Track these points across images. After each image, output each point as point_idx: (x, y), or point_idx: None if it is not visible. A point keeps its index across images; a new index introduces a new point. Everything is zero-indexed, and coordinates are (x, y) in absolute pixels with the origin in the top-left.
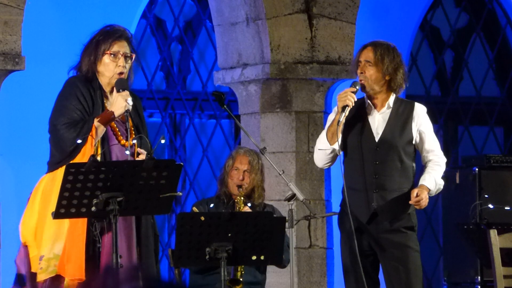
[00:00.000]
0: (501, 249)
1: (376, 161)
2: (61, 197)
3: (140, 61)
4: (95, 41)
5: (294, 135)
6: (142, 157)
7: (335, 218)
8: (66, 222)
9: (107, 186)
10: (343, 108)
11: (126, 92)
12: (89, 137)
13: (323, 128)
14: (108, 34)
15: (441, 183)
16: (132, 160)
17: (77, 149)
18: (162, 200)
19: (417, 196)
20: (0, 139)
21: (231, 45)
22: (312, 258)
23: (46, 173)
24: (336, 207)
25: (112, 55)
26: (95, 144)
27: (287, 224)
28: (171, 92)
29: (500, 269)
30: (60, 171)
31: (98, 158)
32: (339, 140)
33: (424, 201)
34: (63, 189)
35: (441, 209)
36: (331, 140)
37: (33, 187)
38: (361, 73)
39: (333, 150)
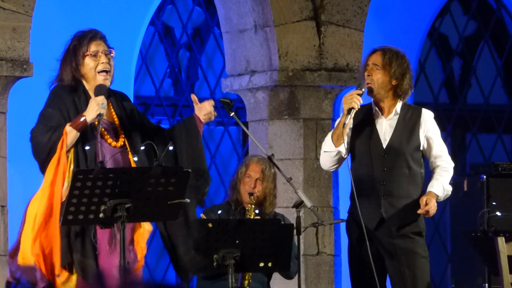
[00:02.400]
0: (509, 257)
1: (384, 168)
2: (69, 203)
3: (148, 68)
4: (71, 48)
5: (302, 142)
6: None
7: (343, 225)
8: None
9: (115, 193)
10: (349, 110)
11: (101, 97)
12: (59, 142)
13: None
14: (82, 37)
15: (449, 189)
16: (140, 167)
17: (51, 154)
18: (170, 206)
19: (426, 204)
20: (8, 145)
21: (239, 52)
22: (319, 266)
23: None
24: (344, 214)
25: (92, 56)
26: (67, 150)
27: (295, 231)
28: (179, 99)
29: (508, 277)
30: (46, 191)
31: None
32: (345, 142)
33: (433, 209)
34: (71, 195)
35: (448, 216)
36: (336, 143)
37: None
38: (368, 75)
39: (339, 152)
